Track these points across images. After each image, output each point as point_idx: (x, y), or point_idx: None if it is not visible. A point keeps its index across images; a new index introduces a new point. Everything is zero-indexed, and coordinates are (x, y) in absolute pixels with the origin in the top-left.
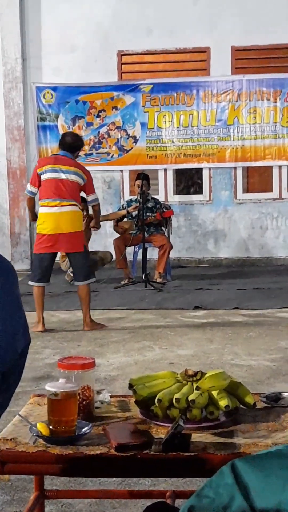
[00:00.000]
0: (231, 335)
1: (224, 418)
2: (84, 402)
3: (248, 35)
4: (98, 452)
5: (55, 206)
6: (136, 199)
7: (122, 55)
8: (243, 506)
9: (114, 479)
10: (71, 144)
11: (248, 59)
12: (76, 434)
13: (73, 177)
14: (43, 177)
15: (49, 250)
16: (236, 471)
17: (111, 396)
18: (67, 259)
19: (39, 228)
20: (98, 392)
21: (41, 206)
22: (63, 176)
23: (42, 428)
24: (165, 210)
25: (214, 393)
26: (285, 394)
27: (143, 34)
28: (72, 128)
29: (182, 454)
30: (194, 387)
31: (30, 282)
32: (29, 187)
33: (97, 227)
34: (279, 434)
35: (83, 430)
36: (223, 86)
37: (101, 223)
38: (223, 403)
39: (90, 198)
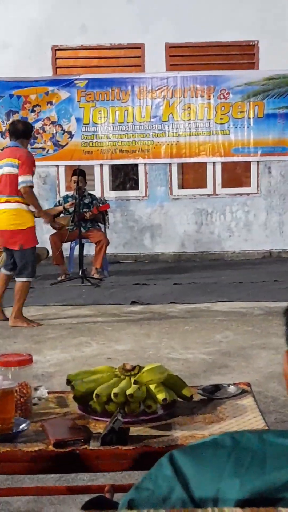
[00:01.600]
0: (167, 329)
1: (162, 411)
2: (21, 399)
3: (182, 33)
4: (36, 448)
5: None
6: (72, 195)
7: (56, 50)
8: (182, 497)
9: (52, 475)
10: (25, 131)
11: (182, 56)
12: (14, 431)
13: (6, 170)
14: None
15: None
16: (175, 462)
17: (48, 393)
18: (2, 256)
19: None
20: (36, 389)
21: None
22: (1, 171)
23: None
24: (101, 205)
25: (152, 386)
26: (222, 385)
27: (78, 29)
28: (6, 123)
29: (120, 448)
30: (132, 381)
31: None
32: None
33: (38, 215)
34: (216, 426)
35: (21, 427)
36: (157, 83)
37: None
38: (160, 396)
39: (20, 179)
